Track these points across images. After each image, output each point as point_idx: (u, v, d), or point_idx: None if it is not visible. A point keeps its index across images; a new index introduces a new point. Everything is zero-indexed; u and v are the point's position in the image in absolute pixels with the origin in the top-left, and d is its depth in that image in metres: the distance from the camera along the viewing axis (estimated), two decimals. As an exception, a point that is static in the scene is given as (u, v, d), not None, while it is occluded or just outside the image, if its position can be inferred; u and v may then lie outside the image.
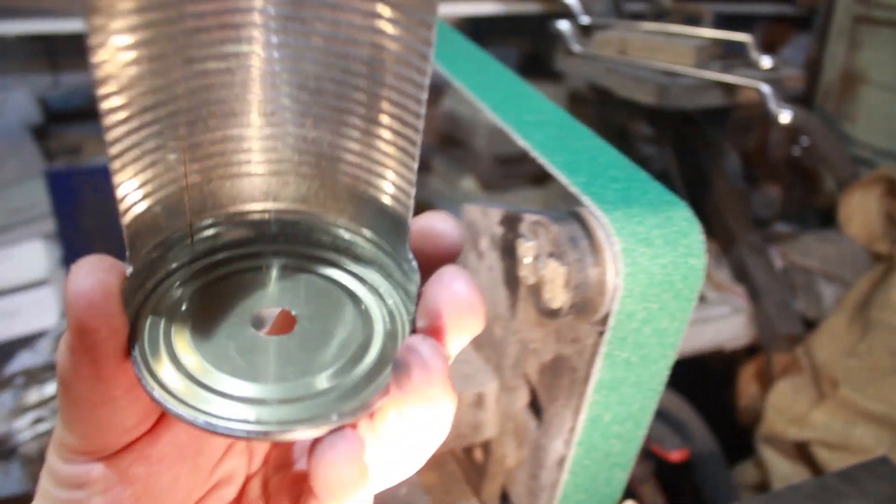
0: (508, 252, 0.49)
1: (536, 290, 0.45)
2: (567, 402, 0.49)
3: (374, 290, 0.30)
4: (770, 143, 1.57)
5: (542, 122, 0.56)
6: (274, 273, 0.31)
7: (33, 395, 1.12)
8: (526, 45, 1.96)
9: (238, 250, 0.31)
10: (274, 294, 0.30)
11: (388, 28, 0.25)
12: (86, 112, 1.79)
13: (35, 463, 1.09)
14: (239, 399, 0.27)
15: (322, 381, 0.28)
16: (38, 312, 1.37)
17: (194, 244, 0.30)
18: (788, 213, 1.50)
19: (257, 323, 0.29)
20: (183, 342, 0.28)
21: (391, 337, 0.29)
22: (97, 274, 0.24)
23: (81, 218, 1.30)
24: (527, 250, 0.45)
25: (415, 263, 0.28)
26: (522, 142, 0.52)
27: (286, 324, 0.30)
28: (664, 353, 0.49)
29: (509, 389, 0.55)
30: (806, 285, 1.15)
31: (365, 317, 0.30)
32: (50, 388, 1.10)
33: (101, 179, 1.28)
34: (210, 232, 0.31)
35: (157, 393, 0.26)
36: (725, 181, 1.22)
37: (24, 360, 1.25)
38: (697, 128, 1.25)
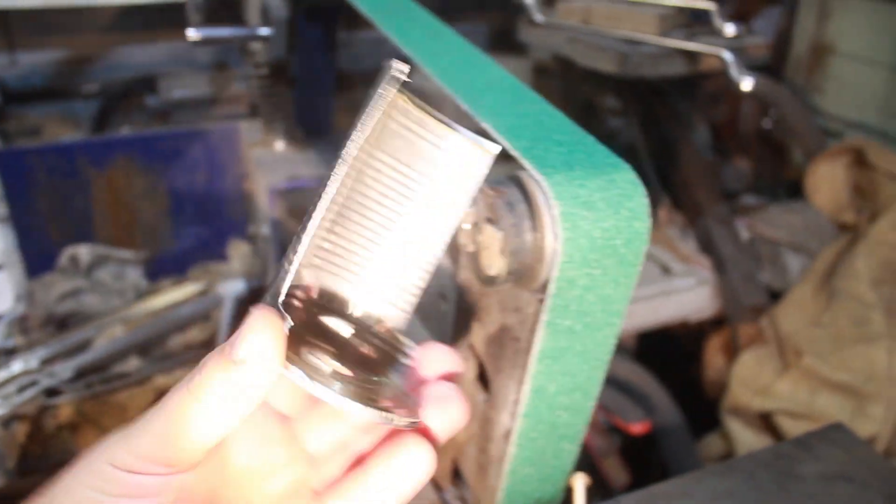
0: (449, 219, 0.48)
1: (475, 257, 0.44)
2: (511, 373, 0.48)
3: None
4: (740, 116, 1.56)
5: (491, 88, 0.54)
6: None
7: (-13, 380, 1.09)
8: (497, 20, 1.94)
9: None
10: None
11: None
12: (45, 92, 1.74)
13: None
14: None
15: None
16: (-5, 297, 1.34)
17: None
18: (760, 186, 1.49)
19: None
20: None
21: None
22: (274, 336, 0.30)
23: (34, 200, 1.26)
24: (465, 216, 0.43)
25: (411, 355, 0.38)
26: (466, 107, 0.50)
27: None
28: (609, 320, 0.47)
29: (457, 362, 0.54)
30: (772, 256, 1.15)
31: None
32: (1, 373, 1.08)
33: (55, 159, 1.24)
34: None
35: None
36: (693, 153, 1.21)
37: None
38: (664, 99, 1.24)
